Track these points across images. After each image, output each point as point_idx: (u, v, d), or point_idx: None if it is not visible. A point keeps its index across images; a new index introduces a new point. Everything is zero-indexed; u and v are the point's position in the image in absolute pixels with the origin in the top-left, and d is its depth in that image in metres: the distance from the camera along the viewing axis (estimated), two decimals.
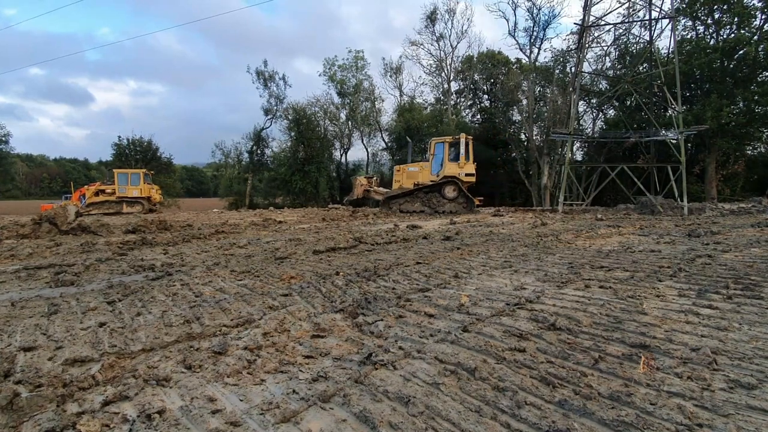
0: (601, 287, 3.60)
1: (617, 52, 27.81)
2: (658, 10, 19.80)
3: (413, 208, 16.08)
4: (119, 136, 38.44)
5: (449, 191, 16.33)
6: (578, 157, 29.99)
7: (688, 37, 25.11)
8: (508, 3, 31.99)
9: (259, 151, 37.93)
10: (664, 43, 32.28)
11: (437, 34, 35.28)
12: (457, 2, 42.36)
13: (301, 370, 2.08)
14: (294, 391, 1.87)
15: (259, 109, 36.35)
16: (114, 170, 24.12)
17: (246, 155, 38.29)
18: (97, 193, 22.83)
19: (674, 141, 17.34)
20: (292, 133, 33.20)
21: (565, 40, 38.61)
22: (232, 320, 2.87)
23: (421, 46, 36.00)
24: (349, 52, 36.37)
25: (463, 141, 16.05)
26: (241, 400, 1.79)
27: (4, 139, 41.29)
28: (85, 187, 23.82)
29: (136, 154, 37.75)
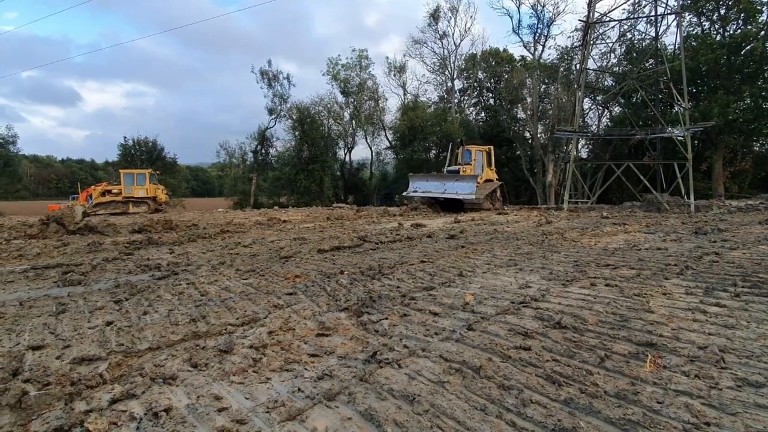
0: (606, 285, 3.58)
1: (622, 49, 27.61)
2: (663, 6, 19.66)
3: (487, 206, 17.20)
4: (125, 137, 38.70)
5: (499, 191, 18.79)
6: (583, 154, 29.84)
7: (694, 32, 24.87)
8: (512, 0, 31.77)
9: (263, 151, 38.08)
10: (670, 39, 31.93)
11: (440, 32, 35.23)
12: (459, 1, 42.01)
13: (306, 369, 2.09)
14: (299, 389, 1.87)
15: (253, 108, 36.69)
16: (120, 170, 24.28)
17: (250, 155, 38.48)
18: (103, 194, 22.98)
19: (681, 138, 17.19)
20: (296, 133, 33.27)
21: (569, 37, 38.42)
22: (237, 319, 2.88)
23: (425, 45, 35.95)
24: (353, 51, 36.44)
25: (492, 151, 19.20)
26: (247, 399, 1.80)
27: (11, 140, 41.65)
28: (92, 187, 23.98)
29: (142, 155, 37.97)
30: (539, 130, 30.71)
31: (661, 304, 3.00)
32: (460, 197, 16.17)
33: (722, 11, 23.70)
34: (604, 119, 31.01)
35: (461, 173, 17.37)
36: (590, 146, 29.94)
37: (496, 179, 19.25)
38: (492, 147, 19.64)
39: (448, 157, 19.43)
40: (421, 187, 17.50)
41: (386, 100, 38.12)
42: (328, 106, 36.05)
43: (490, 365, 2.04)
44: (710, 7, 24.03)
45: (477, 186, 16.29)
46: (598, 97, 29.53)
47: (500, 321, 2.73)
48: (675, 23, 19.69)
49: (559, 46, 33.73)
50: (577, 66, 25.54)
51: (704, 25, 25.08)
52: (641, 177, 17.54)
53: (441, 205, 17.22)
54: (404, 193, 18.33)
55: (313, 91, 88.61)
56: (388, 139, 36.87)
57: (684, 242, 6.14)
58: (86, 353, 2.29)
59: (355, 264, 4.87)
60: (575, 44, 28.12)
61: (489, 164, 18.86)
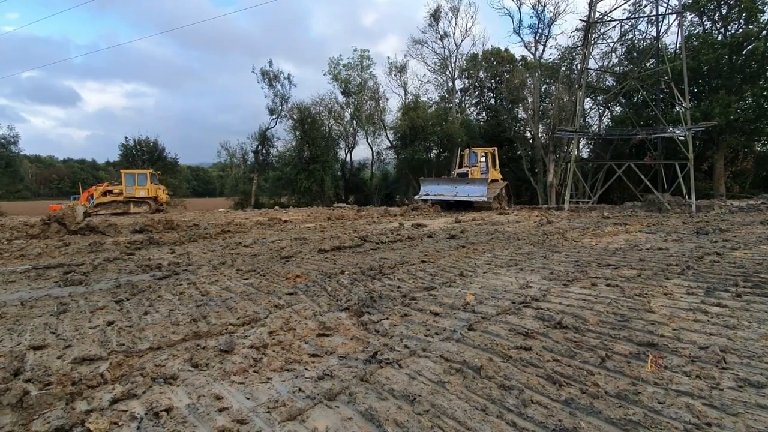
0: (607, 285, 3.58)
1: (623, 49, 27.56)
2: (664, 5, 19.63)
3: (495, 206, 17.53)
4: (126, 137, 38.67)
5: (504, 191, 19.11)
6: (584, 154, 29.78)
7: (696, 32, 24.82)
8: (513, 0, 31.80)
9: (264, 151, 38.08)
10: (671, 39, 31.92)
11: (441, 32, 35.17)
12: (460, 1, 41.96)
13: (306, 369, 2.09)
14: (300, 389, 1.87)
15: (254, 108, 36.67)
16: (121, 171, 24.29)
17: (251, 155, 38.47)
18: (104, 194, 22.99)
19: (682, 138, 17.16)
20: (297, 133, 33.27)
21: (570, 36, 38.40)
22: (238, 319, 2.88)
23: (425, 45, 35.90)
24: (354, 51, 36.45)
25: (496, 152, 19.84)
26: (248, 399, 1.80)
27: (12, 140, 41.63)
28: (93, 187, 23.98)
29: (143, 155, 37.97)
30: (540, 130, 30.66)
31: (662, 304, 2.99)
32: (473, 200, 16.72)
33: (723, 11, 23.65)
34: (605, 119, 30.94)
35: (469, 175, 17.87)
36: (591, 146, 29.88)
37: (501, 179, 19.74)
38: (496, 148, 20.23)
39: (456, 161, 20.04)
40: (432, 190, 17.98)
41: (387, 100, 38.19)
42: (329, 106, 36.08)
43: (490, 365, 2.04)
44: (711, 7, 23.98)
45: (487, 188, 16.72)
46: (599, 97, 29.48)
47: (501, 321, 2.72)
48: (676, 23, 19.67)
49: (560, 45, 33.69)
50: (578, 66, 25.52)
51: (705, 25, 25.03)
52: (642, 177, 17.51)
53: (448, 206, 17.62)
54: (416, 197, 18.75)
55: (311, 91, 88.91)
56: (388, 139, 36.87)
57: (685, 242, 6.13)
58: (87, 353, 2.29)
59: (355, 264, 4.87)
60: (576, 44, 28.09)
61: (494, 165, 19.45)
